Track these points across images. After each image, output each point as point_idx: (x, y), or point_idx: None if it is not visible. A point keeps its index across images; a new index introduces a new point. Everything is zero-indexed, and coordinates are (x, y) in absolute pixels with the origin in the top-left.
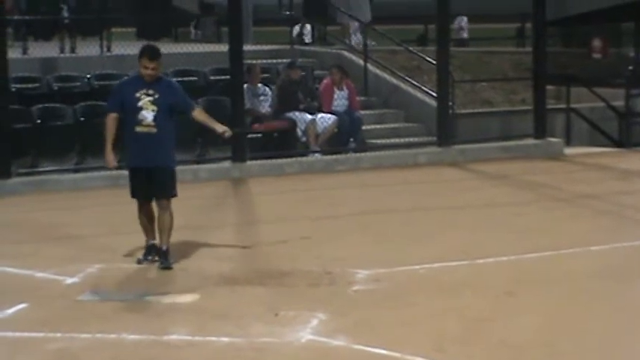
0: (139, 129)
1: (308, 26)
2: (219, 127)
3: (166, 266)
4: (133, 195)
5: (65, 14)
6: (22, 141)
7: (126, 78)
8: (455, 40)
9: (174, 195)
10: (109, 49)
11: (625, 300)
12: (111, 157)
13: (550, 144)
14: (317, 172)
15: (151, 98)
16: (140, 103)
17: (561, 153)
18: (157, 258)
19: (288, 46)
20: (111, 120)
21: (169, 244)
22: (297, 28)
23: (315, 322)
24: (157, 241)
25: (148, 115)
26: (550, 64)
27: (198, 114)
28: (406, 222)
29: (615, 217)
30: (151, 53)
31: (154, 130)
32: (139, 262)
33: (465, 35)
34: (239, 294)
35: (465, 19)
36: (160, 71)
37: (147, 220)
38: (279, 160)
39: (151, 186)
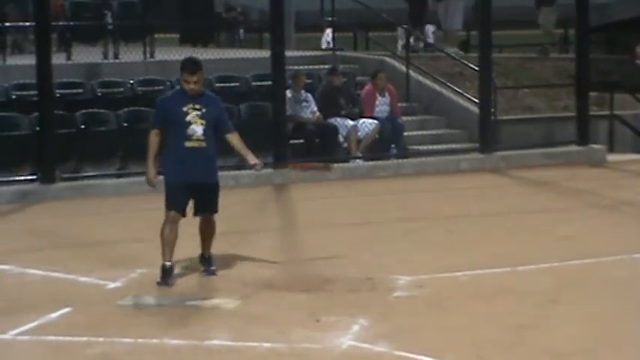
0: (188, 144)
1: (329, 32)
2: (252, 158)
3: (211, 272)
4: (174, 207)
5: (109, 20)
6: (66, 146)
7: (168, 93)
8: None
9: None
10: (152, 55)
11: None
12: (152, 174)
13: (593, 151)
14: (358, 178)
15: (199, 112)
16: (188, 118)
17: (604, 160)
18: (169, 282)
19: (329, 52)
20: (154, 136)
21: (211, 251)
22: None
23: (356, 327)
24: (173, 263)
25: (197, 129)
26: (593, 70)
27: (233, 137)
28: (448, 228)
29: None
30: (191, 67)
31: (204, 144)
32: (160, 285)
33: (430, 41)
34: (280, 299)
35: (432, 27)
36: (202, 84)
37: (173, 235)
38: None
39: (198, 201)
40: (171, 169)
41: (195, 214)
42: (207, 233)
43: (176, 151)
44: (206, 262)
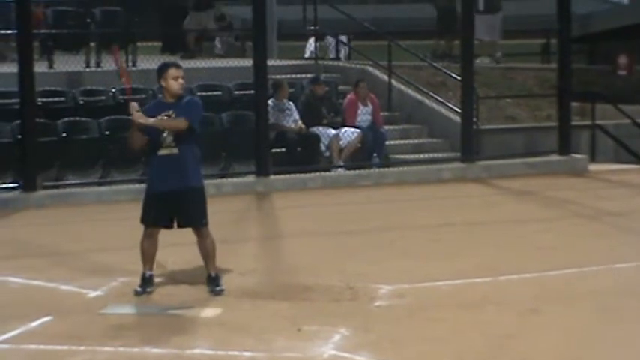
0: (161, 152)
1: (312, 41)
2: (156, 121)
3: (217, 293)
4: (146, 221)
5: (92, 28)
6: (48, 154)
7: (148, 105)
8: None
9: (207, 223)
10: (134, 64)
11: None
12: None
13: (574, 160)
14: (340, 188)
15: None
16: None
17: (586, 170)
18: (148, 289)
19: (312, 61)
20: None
21: (216, 269)
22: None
23: (337, 337)
24: (154, 272)
25: (168, 136)
26: (575, 80)
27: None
28: (429, 238)
29: None
30: (175, 63)
31: (175, 150)
32: (137, 294)
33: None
34: (261, 308)
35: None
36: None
37: (152, 248)
38: (303, 175)
39: (179, 212)
40: (149, 181)
41: (179, 226)
42: (206, 250)
43: (152, 161)
44: (211, 282)
